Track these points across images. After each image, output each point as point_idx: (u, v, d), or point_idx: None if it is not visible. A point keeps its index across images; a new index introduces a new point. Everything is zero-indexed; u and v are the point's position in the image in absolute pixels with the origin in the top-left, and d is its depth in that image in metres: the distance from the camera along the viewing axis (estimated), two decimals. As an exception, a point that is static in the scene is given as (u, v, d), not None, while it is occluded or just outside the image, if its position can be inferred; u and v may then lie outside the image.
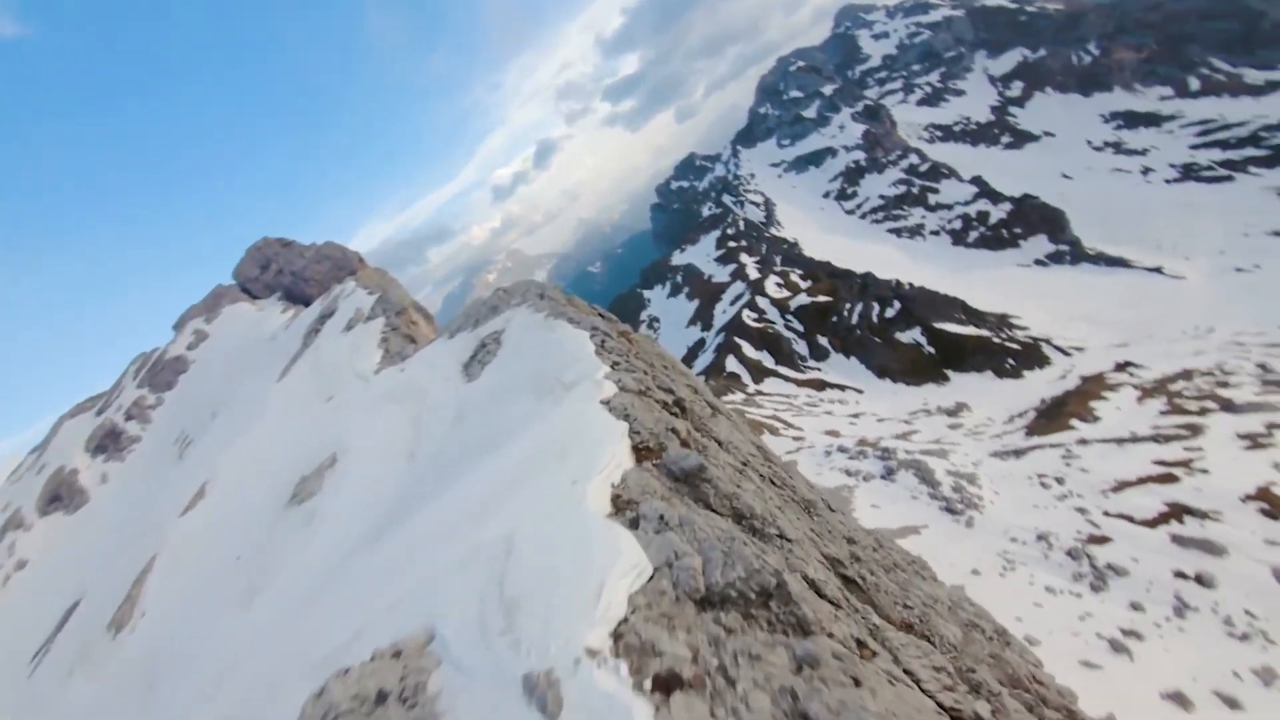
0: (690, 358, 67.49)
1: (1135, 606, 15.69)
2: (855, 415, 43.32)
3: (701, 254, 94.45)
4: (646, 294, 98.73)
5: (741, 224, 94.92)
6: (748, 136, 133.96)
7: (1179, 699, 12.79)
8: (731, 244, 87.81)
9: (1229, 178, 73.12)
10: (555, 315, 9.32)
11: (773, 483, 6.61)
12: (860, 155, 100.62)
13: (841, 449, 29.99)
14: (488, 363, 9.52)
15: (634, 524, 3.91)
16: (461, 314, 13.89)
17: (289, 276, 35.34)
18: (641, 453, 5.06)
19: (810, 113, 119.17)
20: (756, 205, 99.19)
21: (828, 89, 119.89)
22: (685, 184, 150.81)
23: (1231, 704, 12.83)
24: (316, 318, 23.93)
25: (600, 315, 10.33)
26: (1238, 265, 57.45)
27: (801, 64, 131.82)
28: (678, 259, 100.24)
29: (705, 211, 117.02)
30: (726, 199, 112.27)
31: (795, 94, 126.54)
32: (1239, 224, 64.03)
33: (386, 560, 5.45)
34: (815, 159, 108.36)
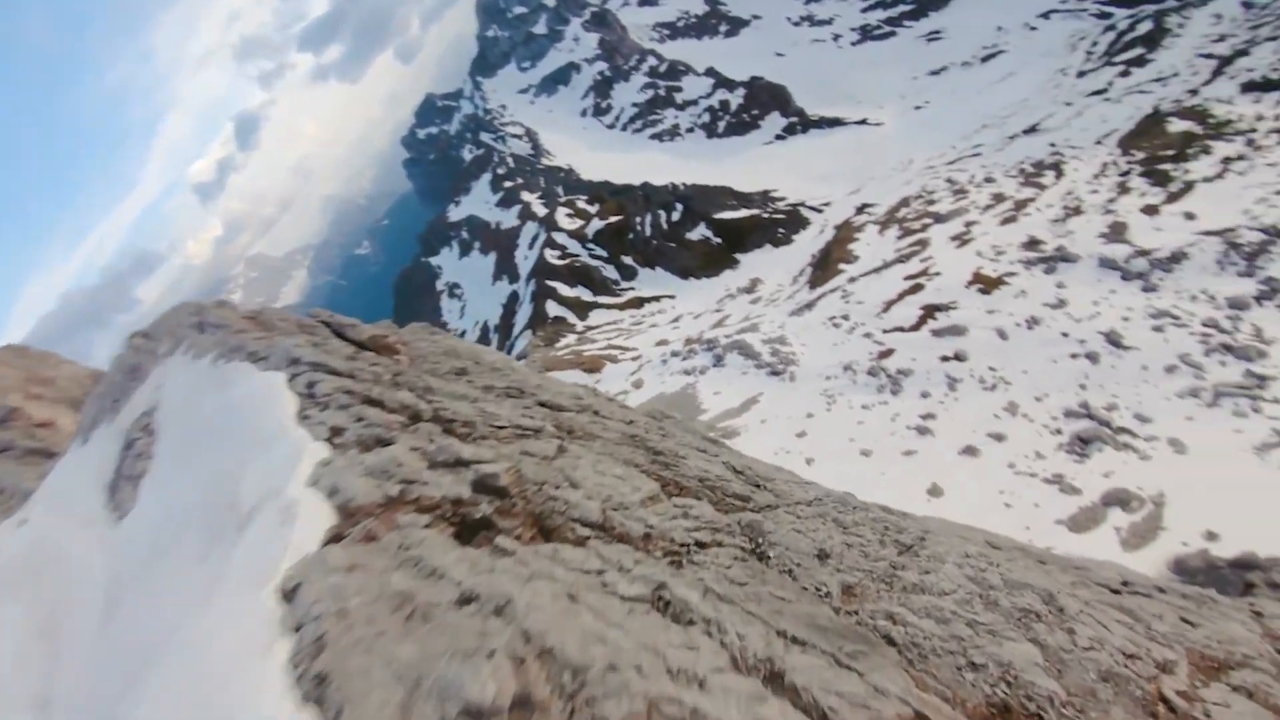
0: (509, 315, 64.94)
1: (924, 395, 19.44)
2: (675, 320, 45.97)
3: (479, 202, 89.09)
4: (434, 262, 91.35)
5: (510, 161, 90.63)
6: (484, 65, 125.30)
7: (970, 450, 16.36)
8: (507, 184, 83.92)
9: (893, 33, 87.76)
10: (228, 355, 5.51)
11: (702, 545, 3.74)
12: (603, 66, 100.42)
13: (674, 353, 31.66)
14: (141, 477, 5.37)
15: None
16: (94, 394, 8.39)
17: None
18: None
19: (540, 28, 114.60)
20: (519, 138, 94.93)
21: (550, 0, 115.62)
22: (434, 130, 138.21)
23: (999, 438, 16.76)
24: (-122, 471, 13.98)
25: (325, 324, 6.38)
26: (915, 104, 70.53)
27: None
28: (455, 214, 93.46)
29: (466, 156, 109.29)
30: (485, 137, 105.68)
31: (519, 10, 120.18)
32: (907, 71, 77.97)
33: None
34: (561, 77, 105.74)
